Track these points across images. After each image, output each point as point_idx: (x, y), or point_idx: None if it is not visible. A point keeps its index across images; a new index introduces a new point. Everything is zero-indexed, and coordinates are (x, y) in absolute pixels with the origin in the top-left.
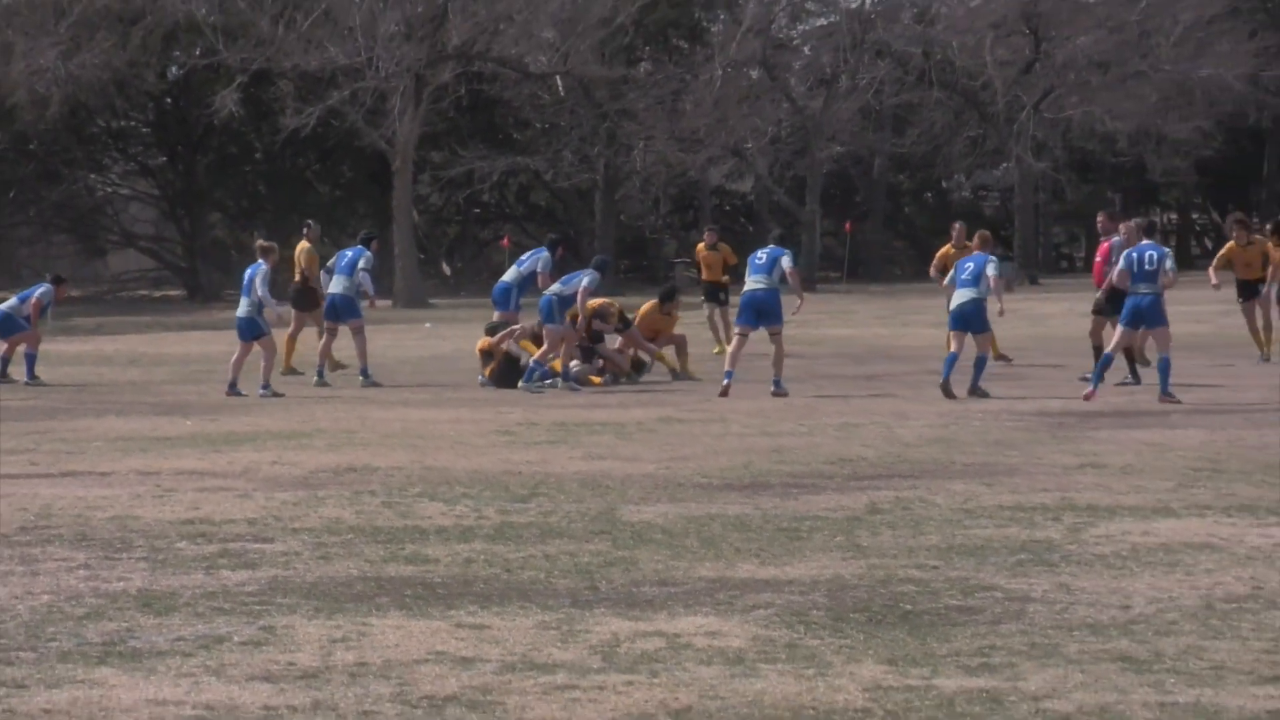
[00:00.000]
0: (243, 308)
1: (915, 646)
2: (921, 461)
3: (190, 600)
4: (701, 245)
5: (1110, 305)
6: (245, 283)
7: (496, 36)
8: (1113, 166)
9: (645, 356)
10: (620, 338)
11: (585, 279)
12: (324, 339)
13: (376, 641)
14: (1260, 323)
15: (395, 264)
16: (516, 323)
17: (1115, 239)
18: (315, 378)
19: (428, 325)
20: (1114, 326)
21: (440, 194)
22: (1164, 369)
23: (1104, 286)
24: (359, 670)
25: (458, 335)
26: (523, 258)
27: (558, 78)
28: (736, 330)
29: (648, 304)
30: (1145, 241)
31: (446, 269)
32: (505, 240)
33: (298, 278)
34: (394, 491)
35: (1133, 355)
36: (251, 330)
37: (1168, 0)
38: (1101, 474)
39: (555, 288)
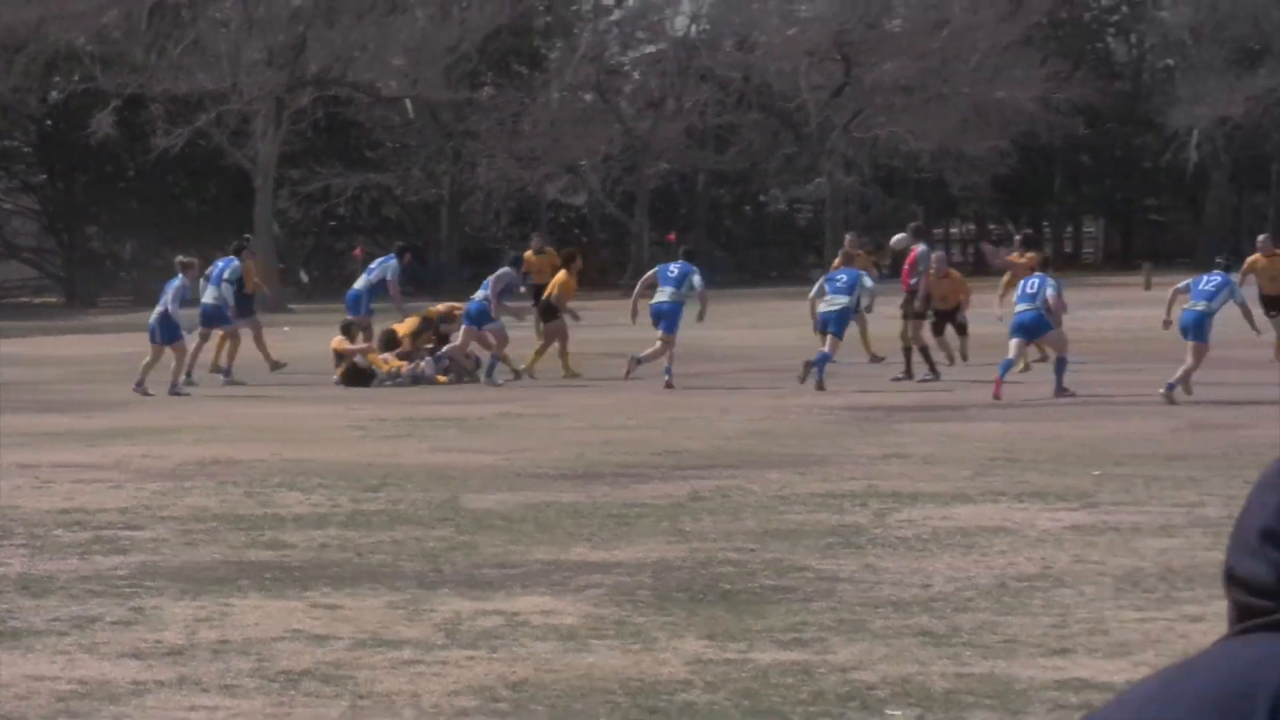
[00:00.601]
0: (156, 314)
1: (733, 623)
2: (740, 453)
3: (66, 583)
4: (530, 251)
5: (923, 306)
6: (167, 292)
7: (351, 63)
8: (916, 182)
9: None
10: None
11: (493, 278)
12: (196, 344)
13: (237, 621)
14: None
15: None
16: (369, 325)
17: (921, 247)
18: (222, 378)
19: (286, 329)
20: (932, 328)
21: (298, 208)
22: (1059, 368)
23: (910, 290)
24: (221, 647)
25: (314, 338)
26: (371, 265)
27: (407, 101)
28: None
29: (561, 275)
30: (1037, 274)
31: (304, 277)
32: (358, 251)
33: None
34: (255, 482)
35: (928, 353)
36: (167, 334)
37: (967, 29)
38: (905, 463)
39: (480, 294)
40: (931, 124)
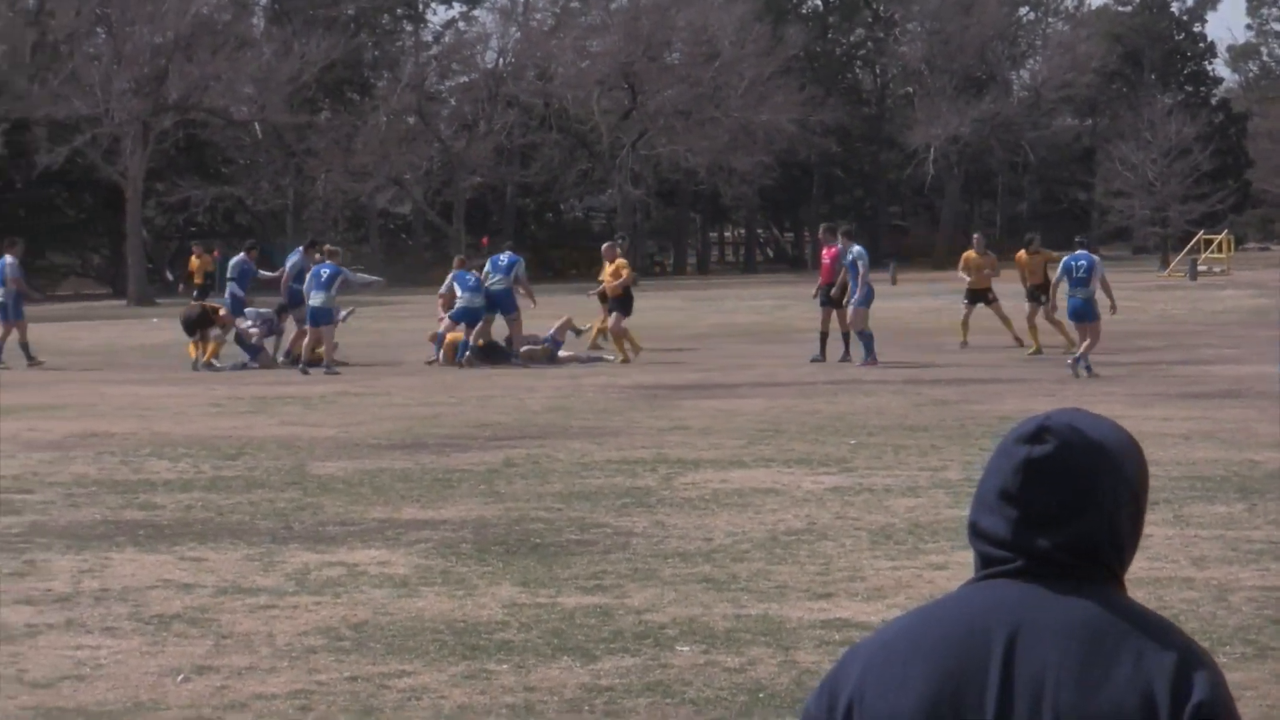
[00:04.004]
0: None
1: (543, 572)
2: (545, 425)
3: None
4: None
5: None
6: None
7: (207, 91)
8: (693, 193)
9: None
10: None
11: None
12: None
13: (116, 571)
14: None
15: (129, 271)
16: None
17: (838, 246)
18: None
19: (154, 320)
20: (840, 315)
21: (163, 216)
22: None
23: (825, 283)
24: (102, 594)
25: (176, 328)
26: (289, 262)
27: (255, 124)
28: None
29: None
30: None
31: (169, 275)
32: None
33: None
34: (129, 452)
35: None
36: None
37: (734, 60)
38: (687, 434)
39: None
40: (705, 143)
